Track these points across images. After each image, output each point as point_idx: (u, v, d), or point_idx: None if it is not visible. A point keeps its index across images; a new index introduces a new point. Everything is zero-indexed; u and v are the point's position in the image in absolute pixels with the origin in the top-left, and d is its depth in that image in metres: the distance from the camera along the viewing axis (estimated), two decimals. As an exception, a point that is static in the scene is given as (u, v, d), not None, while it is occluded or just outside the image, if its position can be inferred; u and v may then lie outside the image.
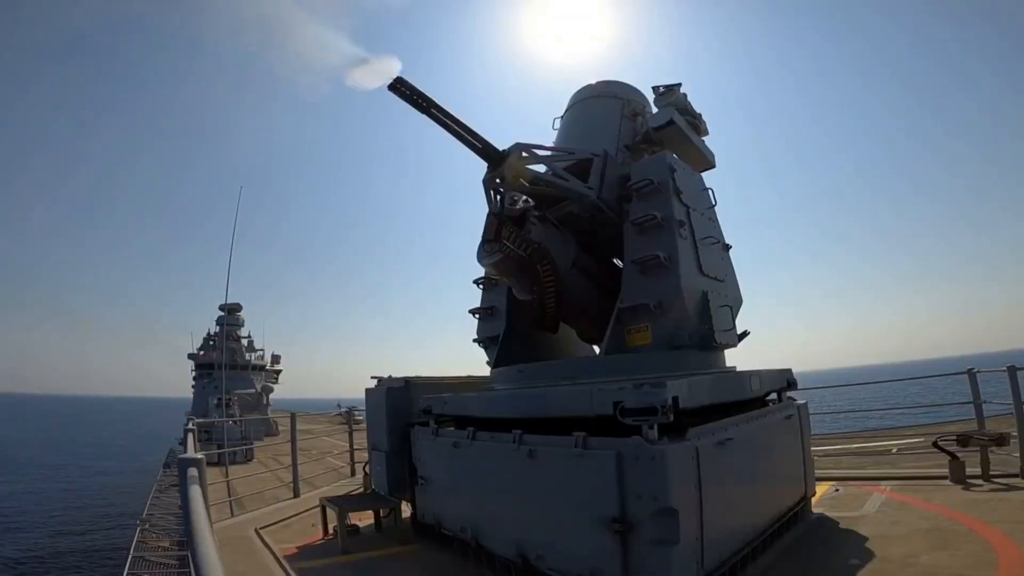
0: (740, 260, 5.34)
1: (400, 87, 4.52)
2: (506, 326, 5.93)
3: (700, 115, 6.53)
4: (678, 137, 5.98)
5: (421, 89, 4.57)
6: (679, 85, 6.16)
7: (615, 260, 6.13)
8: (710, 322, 4.91)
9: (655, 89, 6.26)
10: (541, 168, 5.17)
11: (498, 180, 5.08)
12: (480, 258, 5.21)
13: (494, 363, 5.87)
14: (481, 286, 6.45)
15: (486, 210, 5.15)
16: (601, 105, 6.21)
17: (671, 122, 5.79)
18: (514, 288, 5.60)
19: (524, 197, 5.16)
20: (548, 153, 5.36)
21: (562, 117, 6.52)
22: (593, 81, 6.51)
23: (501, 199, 5.08)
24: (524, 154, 5.05)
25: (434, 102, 4.62)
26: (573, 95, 6.55)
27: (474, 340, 6.37)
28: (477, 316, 6.41)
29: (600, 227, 5.55)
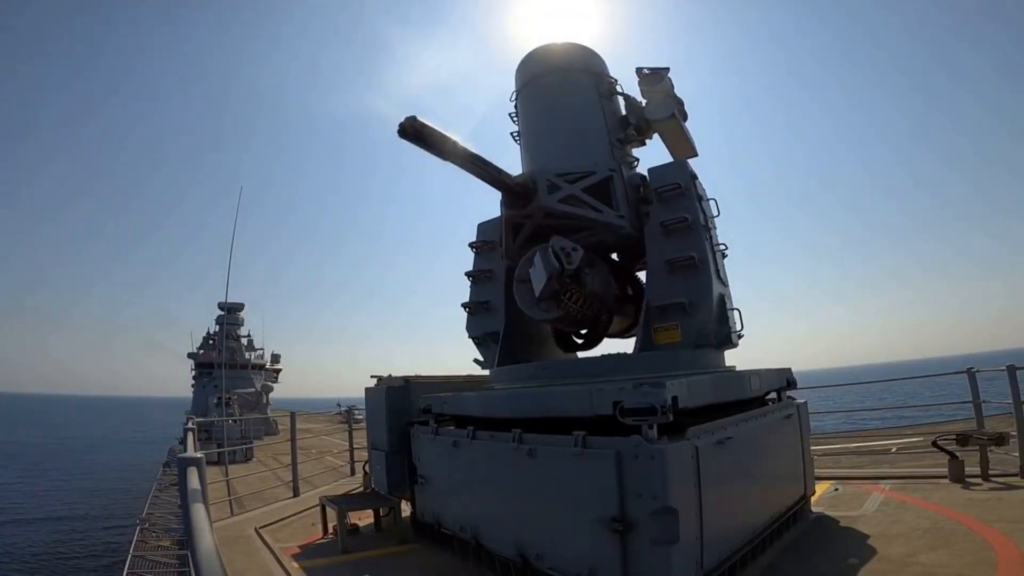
0: (741, 257, 5.40)
1: (415, 131, 3.94)
2: (506, 324, 5.85)
3: (682, 100, 6.37)
4: (672, 127, 5.92)
5: (438, 128, 4.10)
6: (667, 70, 5.96)
7: (612, 256, 6.20)
8: (727, 323, 5.10)
9: (639, 71, 6.06)
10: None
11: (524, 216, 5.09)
12: (531, 311, 5.12)
13: (492, 362, 5.80)
14: (472, 279, 6.25)
15: (484, 205, 5.12)
16: (576, 89, 5.91)
17: (672, 115, 5.79)
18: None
19: (573, 245, 4.84)
20: (573, 184, 5.22)
21: (519, 92, 6.21)
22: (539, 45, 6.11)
23: (558, 256, 4.71)
24: (550, 184, 5.02)
25: (456, 144, 4.23)
26: (525, 65, 6.15)
27: (473, 337, 6.19)
28: (468, 311, 6.20)
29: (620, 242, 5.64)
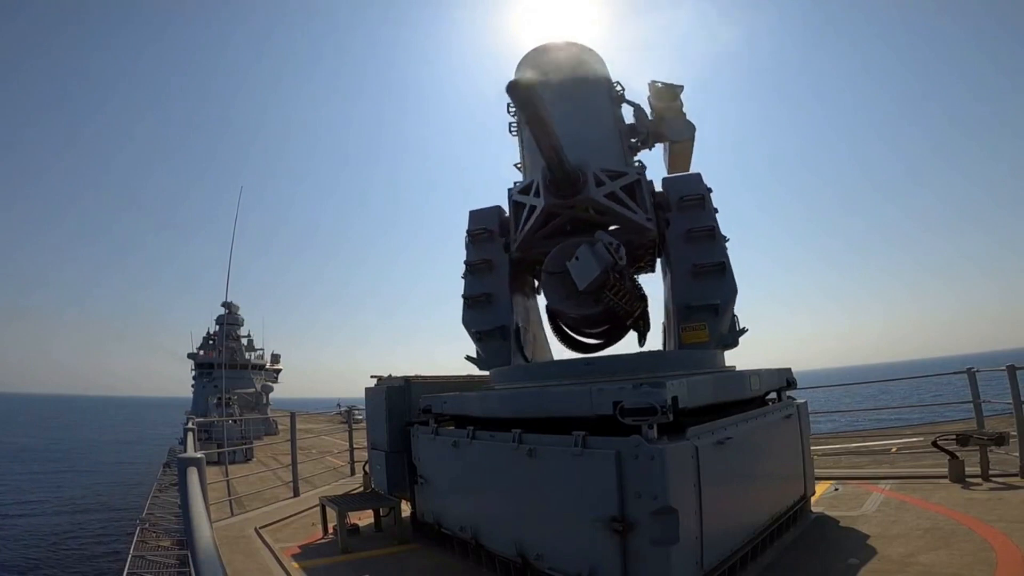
0: (739, 256, 5.63)
1: (527, 93, 4.06)
2: (515, 322, 5.71)
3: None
4: (686, 146, 6.14)
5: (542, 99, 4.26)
6: (681, 88, 6.15)
7: None
8: (735, 324, 5.40)
9: (652, 84, 6.20)
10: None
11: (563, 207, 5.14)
12: (562, 304, 5.11)
13: (501, 358, 5.60)
14: (469, 269, 5.96)
15: (475, 199, 5.19)
16: (593, 91, 6.02)
17: (692, 137, 6.10)
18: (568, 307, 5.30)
19: (618, 242, 4.87)
20: (616, 180, 5.38)
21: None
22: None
23: (613, 248, 4.76)
24: (596, 178, 5.13)
25: (547, 117, 4.35)
26: (535, 60, 6.18)
27: (475, 332, 5.83)
28: (467, 303, 5.89)
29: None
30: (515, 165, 6.80)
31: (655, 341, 6.31)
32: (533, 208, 5.48)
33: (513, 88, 4.09)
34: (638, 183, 5.49)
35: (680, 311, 5.20)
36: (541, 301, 6.52)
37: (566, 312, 5.24)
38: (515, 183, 6.17)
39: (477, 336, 5.80)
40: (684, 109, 6.31)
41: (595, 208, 5.26)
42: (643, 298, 5.02)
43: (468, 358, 6.03)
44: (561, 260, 4.99)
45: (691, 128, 6.10)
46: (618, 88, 6.27)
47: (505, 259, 5.85)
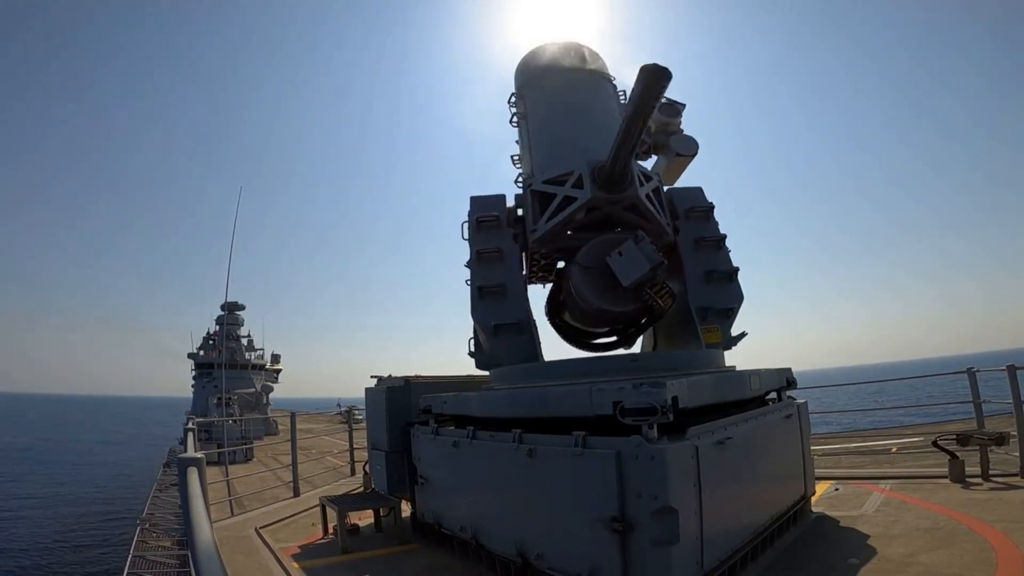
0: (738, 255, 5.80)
1: (659, 80, 4.03)
2: (526, 312, 5.50)
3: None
4: (686, 160, 6.28)
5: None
6: (684, 106, 6.28)
7: None
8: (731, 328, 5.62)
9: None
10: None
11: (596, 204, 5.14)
12: (597, 299, 5.02)
13: (517, 354, 5.33)
14: (479, 257, 5.56)
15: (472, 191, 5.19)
16: (604, 95, 6.14)
17: (695, 153, 6.30)
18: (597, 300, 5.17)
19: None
20: (649, 182, 5.50)
21: (532, 82, 6.34)
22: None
23: (654, 246, 4.85)
24: (638, 176, 5.22)
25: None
26: (543, 58, 6.30)
27: (492, 326, 5.40)
28: (479, 294, 5.46)
29: None
30: (512, 157, 6.75)
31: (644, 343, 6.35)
32: (566, 199, 5.28)
33: (662, 72, 3.93)
34: (657, 190, 5.64)
35: (697, 313, 5.43)
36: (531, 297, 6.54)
37: (603, 307, 5.03)
38: (520, 174, 6.14)
39: (494, 330, 5.37)
40: (681, 126, 6.45)
41: (631, 207, 5.29)
42: (675, 297, 5.02)
43: (471, 354, 5.82)
44: (599, 254, 4.96)
45: (696, 144, 6.30)
46: (621, 96, 6.34)
47: (516, 249, 5.66)
